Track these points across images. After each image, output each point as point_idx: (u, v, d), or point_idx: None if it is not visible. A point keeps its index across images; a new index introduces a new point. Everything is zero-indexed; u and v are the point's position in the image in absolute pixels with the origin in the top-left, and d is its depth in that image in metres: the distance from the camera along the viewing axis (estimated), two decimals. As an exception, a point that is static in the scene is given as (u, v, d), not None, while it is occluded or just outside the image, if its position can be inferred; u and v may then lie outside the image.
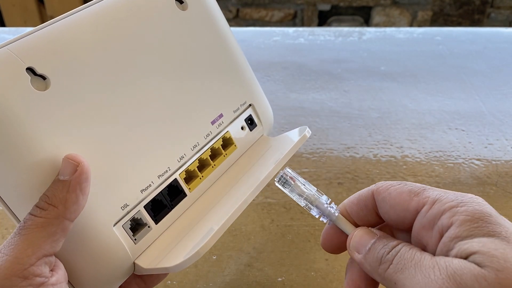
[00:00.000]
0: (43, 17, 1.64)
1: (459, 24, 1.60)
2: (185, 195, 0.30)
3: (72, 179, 0.23)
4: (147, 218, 0.28)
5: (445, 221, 0.22)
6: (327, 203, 0.27)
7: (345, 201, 0.27)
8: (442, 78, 0.66)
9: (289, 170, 0.28)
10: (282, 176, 0.28)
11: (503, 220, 0.21)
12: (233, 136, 0.34)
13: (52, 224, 0.23)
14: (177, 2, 0.31)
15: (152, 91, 0.29)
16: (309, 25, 1.67)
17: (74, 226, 0.24)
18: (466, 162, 0.51)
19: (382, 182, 0.25)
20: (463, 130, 0.56)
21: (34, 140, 0.24)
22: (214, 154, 0.33)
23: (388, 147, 0.53)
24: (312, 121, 0.58)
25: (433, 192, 0.23)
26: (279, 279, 0.38)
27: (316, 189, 0.28)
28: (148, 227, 0.28)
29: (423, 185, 0.24)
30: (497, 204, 0.45)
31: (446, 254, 0.21)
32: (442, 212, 0.22)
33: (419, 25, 1.63)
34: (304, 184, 0.28)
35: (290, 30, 0.80)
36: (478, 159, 0.51)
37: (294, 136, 0.35)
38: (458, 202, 0.22)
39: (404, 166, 0.50)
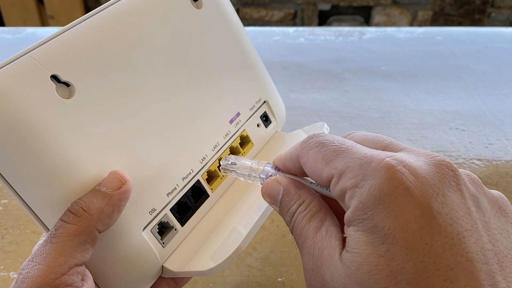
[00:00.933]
0: (43, 17, 1.64)
1: (459, 24, 1.60)
2: (208, 195, 0.30)
3: (114, 194, 0.24)
4: (173, 221, 0.28)
5: (347, 201, 0.20)
6: (272, 168, 0.26)
7: (279, 156, 0.26)
8: (442, 78, 0.66)
9: (229, 157, 0.28)
10: (224, 165, 0.28)
11: (398, 207, 0.19)
12: (249, 134, 0.34)
13: (83, 233, 0.23)
14: (191, 0, 0.31)
15: (173, 93, 0.29)
16: (309, 24, 1.67)
17: (105, 233, 0.24)
18: (467, 162, 0.51)
19: (307, 140, 0.23)
20: (464, 130, 0.56)
21: (62, 149, 0.23)
22: (233, 152, 0.33)
23: (388, 147, 0.52)
24: (312, 121, 0.58)
25: (343, 160, 0.21)
26: (279, 279, 0.38)
27: (257, 160, 0.27)
28: (175, 229, 0.28)
29: (340, 146, 0.21)
30: (497, 204, 0.45)
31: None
32: (345, 190, 0.20)
33: (420, 25, 1.63)
34: (247, 162, 0.27)
35: (290, 29, 0.80)
36: (478, 159, 0.51)
37: (310, 133, 0.35)
38: (360, 178, 0.20)
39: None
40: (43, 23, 1.64)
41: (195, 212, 0.29)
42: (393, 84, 0.65)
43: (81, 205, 0.23)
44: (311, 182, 0.24)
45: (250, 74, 0.35)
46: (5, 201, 0.46)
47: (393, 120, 0.58)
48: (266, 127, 0.36)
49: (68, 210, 0.23)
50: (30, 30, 0.81)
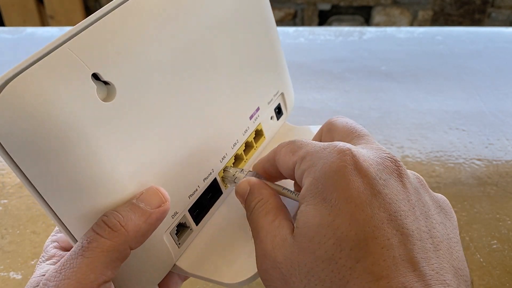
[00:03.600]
0: (43, 17, 1.64)
1: (459, 24, 1.60)
2: (221, 192, 0.30)
3: (153, 212, 0.23)
4: (190, 221, 0.27)
5: (303, 180, 0.23)
6: (252, 174, 0.28)
7: (259, 159, 0.28)
8: (442, 77, 0.66)
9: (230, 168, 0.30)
10: (230, 178, 0.30)
11: (344, 182, 0.21)
12: (263, 128, 0.33)
13: (117, 250, 0.22)
14: None
15: (203, 91, 0.27)
16: (309, 24, 1.67)
17: None
18: (467, 162, 0.51)
19: (281, 143, 0.26)
20: (464, 130, 0.56)
21: (100, 157, 0.21)
22: (247, 147, 0.32)
23: (388, 147, 0.52)
24: (312, 121, 0.58)
25: (305, 149, 0.24)
26: (279, 279, 0.38)
27: (241, 169, 0.30)
28: (191, 229, 0.28)
29: (306, 141, 0.24)
30: (497, 204, 0.45)
31: None
32: (304, 171, 0.23)
33: (420, 25, 1.63)
34: (232, 171, 0.30)
35: (291, 29, 0.80)
36: (478, 159, 0.51)
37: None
38: (315, 160, 0.22)
39: (405, 166, 0.49)
40: (43, 23, 1.64)
41: (209, 210, 0.29)
42: (393, 84, 0.65)
43: (119, 220, 0.22)
44: (283, 188, 0.26)
45: (272, 66, 0.33)
46: (5, 201, 0.46)
47: (393, 120, 0.58)
48: (277, 120, 0.35)
49: (104, 222, 0.22)
50: (30, 30, 0.80)
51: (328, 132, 0.27)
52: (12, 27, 0.85)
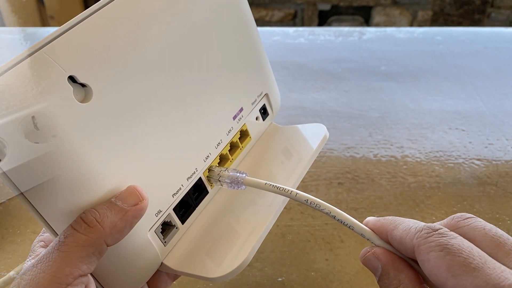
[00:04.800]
0: (43, 17, 1.64)
1: (459, 24, 1.60)
2: (207, 192, 0.30)
3: (129, 210, 0.23)
4: (175, 219, 0.28)
5: None
6: (239, 173, 0.29)
7: (385, 226, 0.24)
8: (442, 78, 0.66)
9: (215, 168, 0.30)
10: (214, 177, 0.30)
11: None
12: (249, 128, 0.34)
13: (93, 245, 0.22)
14: None
15: (183, 92, 0.28)
16: (309, 25, 1.67)
17: None
18: (467, 162, 0.51)
19: (426, 235, 0.22)
20: (464, 130, 0.56)
21: (78, 157, 0.22)
22: (232, 147, 0.33)
23: (388, 147, 0.52)
24: (312, 121, 0.58)
25: (473, 281, 0.19)
26: (279, 279, 0.38)
27: (226, 168, 0.30)
28: (176, 228, 0.28)
29: (469, 261, 0.20)
30: (497, 204, 0.45)
31: None
32: None
33: (420, 25, 1.63)
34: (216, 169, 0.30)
35: (290, 30, 0.80)
36: (478, 159, 0.51)
37: (307, 131, 0.35)
38: None
39: (405, 166, 0.50)
40: (43, 23, 1.64)
41: (195, 209, 0.30)
42: (393, 84, 0.65)
43: (95, 216, 0.22)
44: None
45: (255, 67, 0.34)
46: (6, 201, 0.46)
47: (393, 120, 0.58)
48: (263, 120, 0.36)
49: (81, 218, 0.22)
50: (30, 30, 0.81)
51: (465, 236, 0.22)
52: (12, 27, 0.85)
